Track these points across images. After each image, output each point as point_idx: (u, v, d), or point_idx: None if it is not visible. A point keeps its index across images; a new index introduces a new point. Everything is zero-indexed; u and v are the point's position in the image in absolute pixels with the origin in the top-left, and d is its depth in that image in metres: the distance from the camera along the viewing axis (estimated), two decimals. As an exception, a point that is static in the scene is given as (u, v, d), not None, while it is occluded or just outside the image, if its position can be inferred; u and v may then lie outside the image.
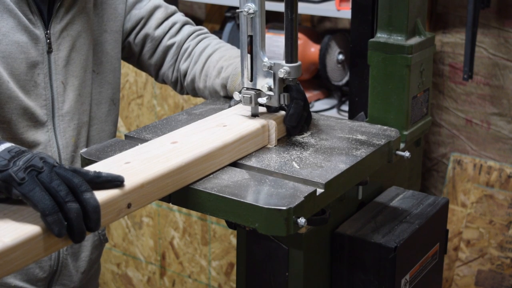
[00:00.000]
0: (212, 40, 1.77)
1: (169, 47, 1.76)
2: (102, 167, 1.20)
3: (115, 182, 1.11)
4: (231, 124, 1.41)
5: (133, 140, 1.45)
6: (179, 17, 1.79)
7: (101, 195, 1.08)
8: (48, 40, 1.53)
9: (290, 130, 1.46)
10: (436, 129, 2.63)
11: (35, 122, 1.54)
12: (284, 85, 1.41)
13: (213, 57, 1.70)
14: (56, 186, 1.03)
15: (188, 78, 1.74)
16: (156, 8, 1.75)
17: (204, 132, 1.38)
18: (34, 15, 1.51)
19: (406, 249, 1.44)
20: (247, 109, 1.46)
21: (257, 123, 1.42)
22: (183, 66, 1.75)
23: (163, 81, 1.82)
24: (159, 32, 1.75)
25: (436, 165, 2.66)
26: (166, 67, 1.78)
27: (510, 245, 2.46)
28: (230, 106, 1.55)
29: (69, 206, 1.03)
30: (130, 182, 1.13)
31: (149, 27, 1.74)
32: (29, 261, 1.01)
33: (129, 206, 1.13)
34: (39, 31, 1.52)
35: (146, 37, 1.75)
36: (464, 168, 2.56)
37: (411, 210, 1.55)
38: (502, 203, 2.47)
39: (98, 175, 1.09)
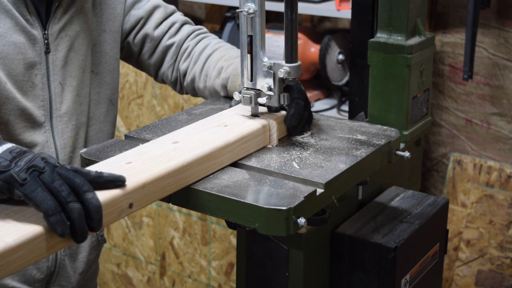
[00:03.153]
0: (212, 40, 1.77)
1: (168, 47, 1.76)
2: (103, 167, 1.20)
3: (117, 182, 1.11)
4: (232, 124, 1.41)
5: (133, 140, 1.44)
6: (178, 16, 1.79)
7: (103, 195, 1.08)
8: (46, 41, 1.53)
9: (291, 130, 1.46)
10: (436, 129, 2.63)
11: (33, 123, 1.53)
12: (284, 85, 1.41)
13: (213, 57, 1.70)
14: (58, 186, 1.03)
15: (188, 78, 1.74)
16: (155, 8, 1.75)
17: (205, 132, 1.38)
18: (32, 16, 1.51)
19: (406, 249, 1.44)
20: (248, 109, 1.47)
21: (258, 123, 1.42)
22: (182, 66, 1.75)
23: (163, 81, 1.82)
24: (158, 32, 1.75)
25: (436, 165, 2.66)
26: (166, 67, 1.78)
27: (510, 245, 2.46)
28: (231, 106, 1.55)
29: (71, 206, 1.03)
30: (131, 182, 1.13)
31: (149, 27, 1.74)
32: (31, 261, 1.01)
33: (130, 206, 1.13)
34: (37, 32, 1.52)
35: (145, 37, 1.74)
36: (464, 168, 2.56)
37: (411, 210, 1.55)
38: (502, 203, 2.47)
39: (99, 175, 1.10)
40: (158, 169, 1.19)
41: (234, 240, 2.92)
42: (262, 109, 1.47)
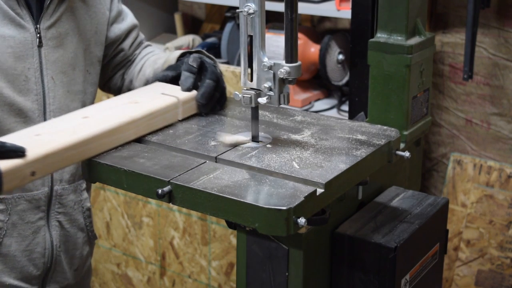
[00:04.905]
0: (155, 49, 1.89)
1: (129, 61, 1.86)
2: (12, 138, 1.30)
3: (18, 152, 1.22)
4: (143, 101, 1.48)
5: (133, 140, 1.45)
6: (141, 34, 1.90)
7: (5, 164, 1.19)
8: (38, 35, 1.55)
9: (200, 107, 1.54)
10: (436, 129, 2.63)
11: (25, 117, 1.55)
12: (284, 85, 1.42)
13: (150, 59, 1.80)
14: None
15: (127, 79, 1.82)
16: (133, 28, 1.83)
17: (116, 108, 1.46)
18: (22, 9, 1.53)
19: (406, 249, 1.44)
20: (162, 87, 1.55)
21: (168, 100, 1.49)
22: (126, 72, 1.85)
23: (109, 89, 1.89)
24: (131, 50, 1.85)
25: (436, 165, 2.66)
26: (117, 76, 1.86)
27: (510, 245, 2.46)
28: (148, 83, 1.62)
29: None
30: (34, 152, 1.24)
31: (126, 45, 1.82)
32: None
33: (33, 174, 1.24)
34: (28, 26, 1.54)
35: (120, 52, 1.82)
36: (464, 168, 2.56)
37: (411, 210, 1.55)
38: (502, 203, 2.47)
39: (2, 144, 1.20)
40: (61, 141, 1.29)
41: (234, 240, 2.92)
42: (176, 87, 1.54)
